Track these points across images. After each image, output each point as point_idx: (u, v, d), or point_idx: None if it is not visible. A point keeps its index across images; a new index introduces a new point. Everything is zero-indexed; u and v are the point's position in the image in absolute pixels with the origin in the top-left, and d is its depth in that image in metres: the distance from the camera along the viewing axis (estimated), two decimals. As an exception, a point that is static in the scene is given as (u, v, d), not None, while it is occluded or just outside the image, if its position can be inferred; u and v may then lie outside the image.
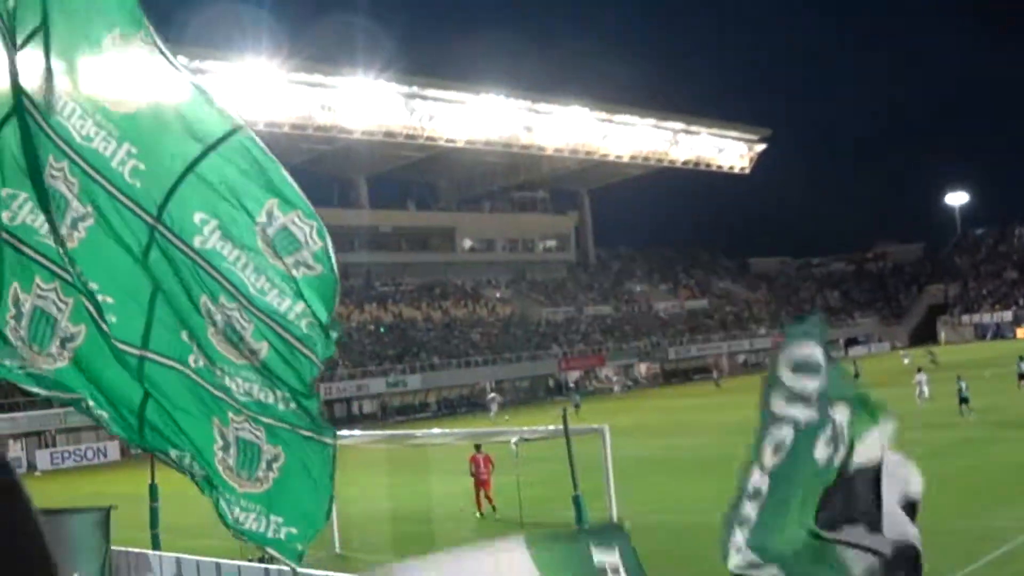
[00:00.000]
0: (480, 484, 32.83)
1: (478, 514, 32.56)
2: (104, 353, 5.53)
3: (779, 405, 4.99)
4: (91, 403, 5.76)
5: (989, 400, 55.72)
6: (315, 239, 5.26)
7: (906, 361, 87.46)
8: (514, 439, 30.35)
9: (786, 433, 5.03)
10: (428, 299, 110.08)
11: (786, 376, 5.12)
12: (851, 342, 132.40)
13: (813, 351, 5.19)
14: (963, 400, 50.25)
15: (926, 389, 57.50)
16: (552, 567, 5.87)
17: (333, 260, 5.35)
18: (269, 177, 5.19)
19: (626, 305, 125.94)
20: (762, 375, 6.05)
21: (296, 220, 5.22)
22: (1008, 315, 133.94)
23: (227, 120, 5.17)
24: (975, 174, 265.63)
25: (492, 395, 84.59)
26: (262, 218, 5.21)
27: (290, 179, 5.29)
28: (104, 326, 5.41)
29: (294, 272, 5.25)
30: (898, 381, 64.16)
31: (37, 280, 5.41)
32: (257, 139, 5.23)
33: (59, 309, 5.48)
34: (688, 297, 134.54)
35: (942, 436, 42.13)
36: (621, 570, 6.03)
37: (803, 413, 5.04)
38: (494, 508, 32.45)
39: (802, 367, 5.13)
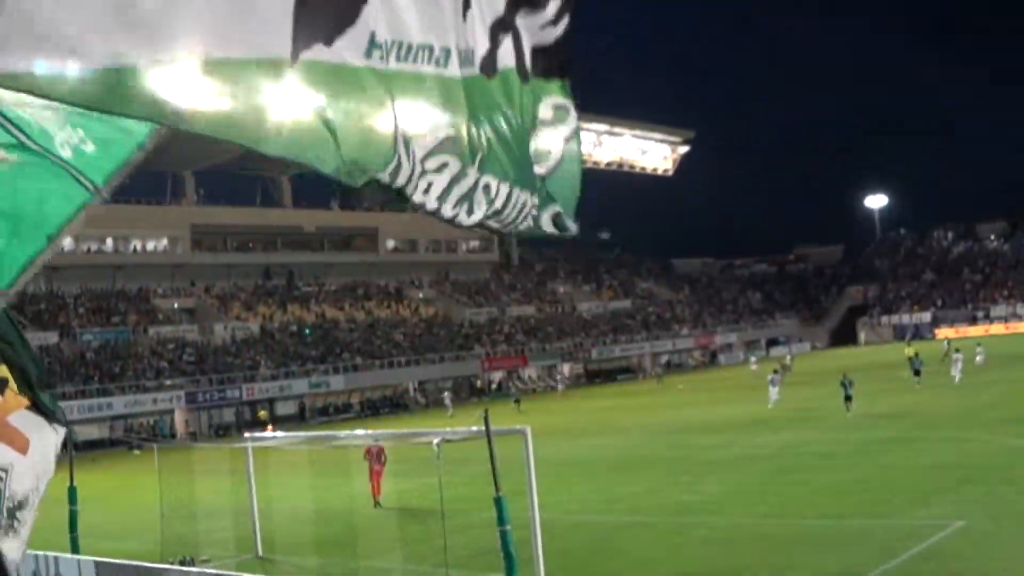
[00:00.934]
0: (372, 475, 34.58)
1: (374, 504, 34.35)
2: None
3: None
4: None
5: (905, 400, 56.62)
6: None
7: (753, 368, 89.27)
8: (436, 440, 30.34)
9: None
10: (351, 299, 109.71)
11: None
12: (772, 342, 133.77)
13: None
14: (848, 398, 52.08)
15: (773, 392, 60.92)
16: None
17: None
18: None
19: (549, 306, 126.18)
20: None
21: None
22: (927, 316, 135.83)
23: None
24: (894, 177, 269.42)
25: (446, 393, 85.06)
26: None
27: None
28: None
29: None
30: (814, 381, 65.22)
31: None
32: None
33: None
34: (611, 298, 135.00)
35: (861, 437, 42.70)
36: None
37: None
38: (378, 503, 34.39)
39: None
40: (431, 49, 4.24)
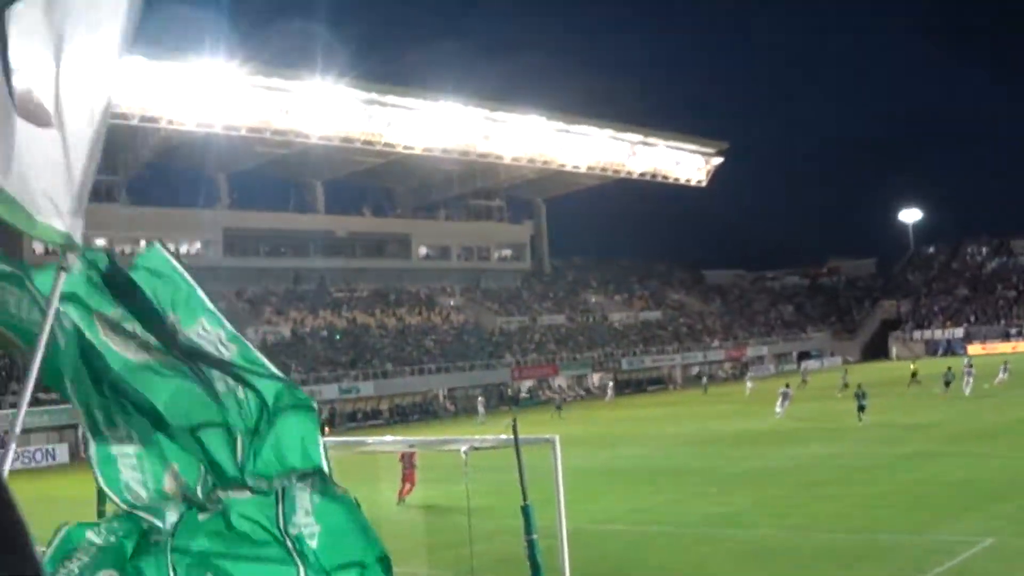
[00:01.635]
0: (404, 478, 36.44)
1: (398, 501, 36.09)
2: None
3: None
4: None
5: (932, 415, 56.47)
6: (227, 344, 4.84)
7: (749, 388, 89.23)
8: (464, 448, 30.33)
9: None
10: (382, 306, 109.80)
11: None
12: (804, 355, 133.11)
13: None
14: (861, 408, 55.01)
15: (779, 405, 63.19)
16: None
17: (256, 362, 4.89)
18: (175, 288, 4.79)
19: (580, 315, 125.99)
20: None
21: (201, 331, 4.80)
22: (959, 332, 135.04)
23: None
24: (929, 192, 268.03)
25: (480, 399, 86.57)
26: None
27: (197, 288, 4.85)
28: None
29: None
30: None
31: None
32: (166, 252, 4.86)
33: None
34: (642, 308, 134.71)
35: (888, 451, 42.57)
36: None
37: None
38: (399, 498, 36.20)
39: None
40: None
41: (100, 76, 3.99)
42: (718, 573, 23.60)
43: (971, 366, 72.52)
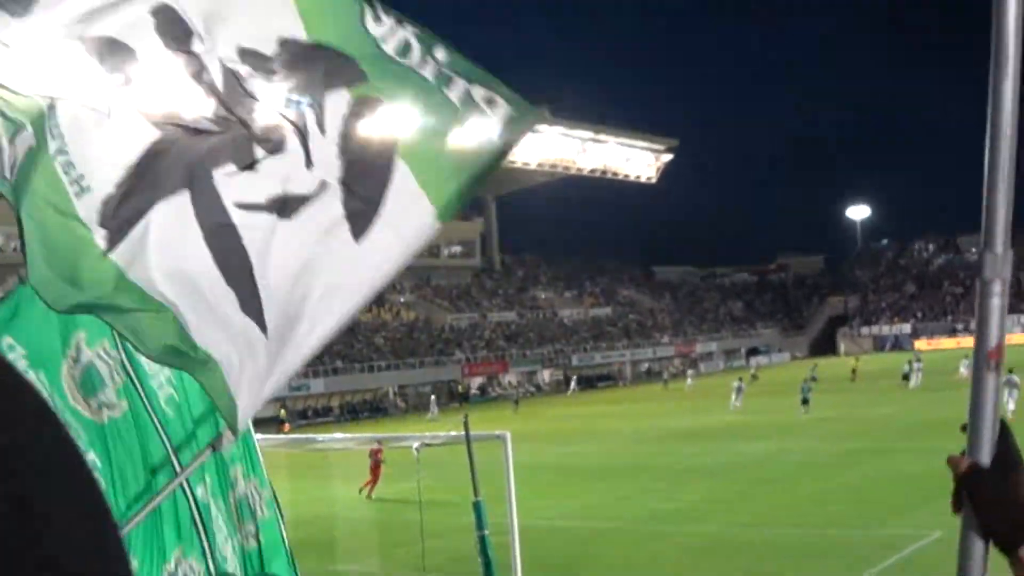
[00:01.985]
0: (373, 470, 37.06)
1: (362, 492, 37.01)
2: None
3: None
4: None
5: (884, 410, 56.95)
6: (118, 374, 4.70)
7: (689, 384, 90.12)
8: (415, 444, 30.35)
9: None
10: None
11: None
12: (753, 351, 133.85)
13: None
14: (805, 400, 58.03)
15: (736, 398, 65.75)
16: None
17: (141, 391, 4.75)
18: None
19: (530, 312, 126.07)
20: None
21: (102, 353, 4.67)
22: (907, 327, 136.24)
23: None
24: (877, 190, 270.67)
25: (432, 396, 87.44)
26: (72, 352, 4.59)
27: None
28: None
29: (96, 419, 4.60)
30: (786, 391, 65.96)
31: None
32: None
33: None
34: (592, 305, 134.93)
35: (837, 447, 42.87)
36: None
37: None
38: (368, 495, 36.91)
39: None
40: None
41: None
42: (669, 568, 23.68)
43: (919, 360, 75.18)
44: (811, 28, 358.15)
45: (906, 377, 72.36)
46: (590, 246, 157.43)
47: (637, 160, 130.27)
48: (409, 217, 3.84)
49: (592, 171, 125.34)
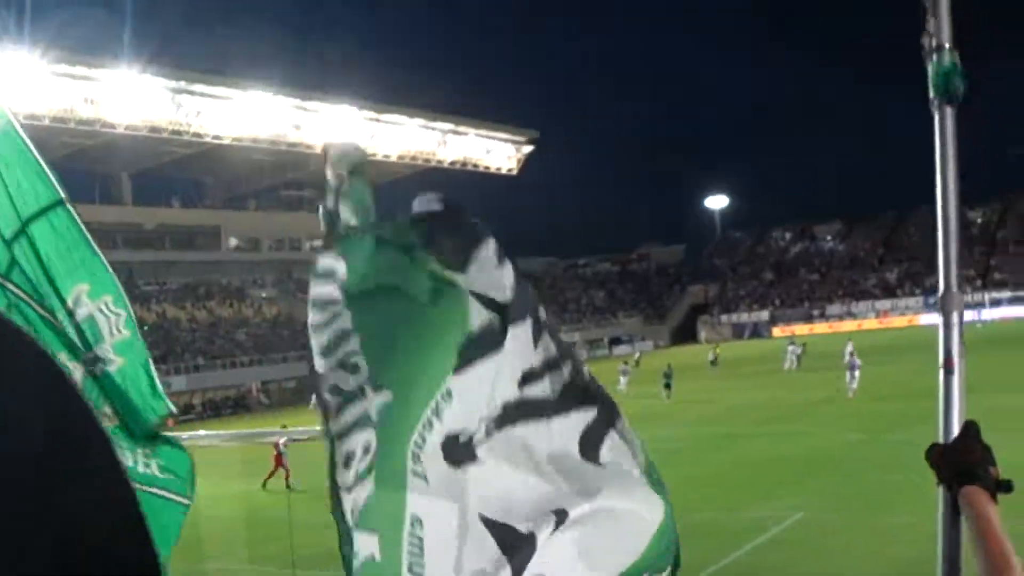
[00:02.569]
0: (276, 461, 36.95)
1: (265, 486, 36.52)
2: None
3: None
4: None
5: (745, 396, 57.96)
6: (120, 329, 4.68)
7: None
8: (282, 440, 30.21)
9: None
10: (193, 299, 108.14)
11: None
12: (615, 341, 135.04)
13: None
14: (667, 386, 60.57)
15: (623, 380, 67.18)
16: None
17: (138, 350, 4.76)
18: (81, 256, 4.50)
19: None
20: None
21: (104, 307, 4.60)
22: (765, 315, 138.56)
23: (50, 189, 4.44)
24: (735, 179, 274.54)
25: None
26: (69, 305, 4.49)
27: (102, 258, 4.58)
28: None
29: (92, 369, 4.49)
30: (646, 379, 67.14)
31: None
32: (75, 212, 4.48)
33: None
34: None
35: (701, 433, 43.52)
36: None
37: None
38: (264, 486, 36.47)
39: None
40: None
41: None
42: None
43: (793, 344, 78.09)
44: (672, 20, 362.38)
45: (797, 358, 74.56)
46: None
47: (498, 152, 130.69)
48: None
49: (453, 163, 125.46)
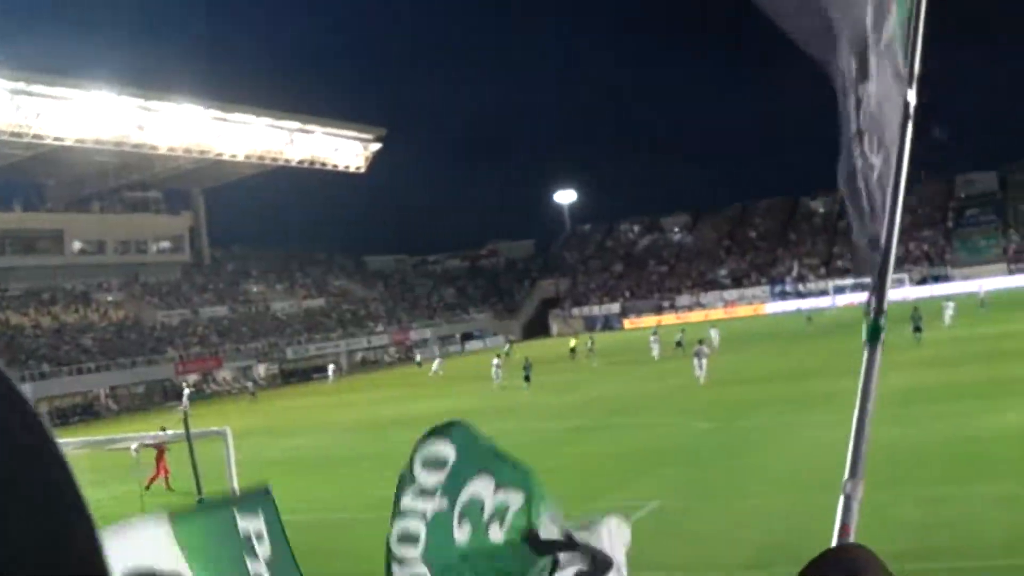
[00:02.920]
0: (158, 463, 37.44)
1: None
2: None
3: (407, 502, 4.29)
4: None
5: (599, 388, 58.50)
6: None
7: (435, 368, 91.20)
8: (134, 445, 29.76)
9: (415, 525, 4.16)
10: (36, 305, 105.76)
11: (418, 473, 4.37)
12: (467, 337, 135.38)
13: (444, 447, 4.34)
14: (527, 378, 63.34)
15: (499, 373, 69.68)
16: (194, 540, 5.42)
17: None
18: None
19: (242, 306, 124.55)
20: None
21: None
22: (616, 307, 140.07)
23: None
24: (583, 174, 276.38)
25: (331, 365, 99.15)
26: None
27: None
28: None
29: None
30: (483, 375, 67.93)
31: None
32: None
33: None
34: (305, 296, 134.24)
35: (556, 425, 43.80)
36: (265, 536, 5.70)
37: (430, 505, 4.27)
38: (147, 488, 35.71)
39: (432, 463, 4.44)
40: None
41: None
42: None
43: (656, 335, 79.54)
44: (520, 15, 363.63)
45: (680, 343, 75.56)
46: (301, 237, 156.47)
47: (345, 149, 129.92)
48: None
49: (300, 162, 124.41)
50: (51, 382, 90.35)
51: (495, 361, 72.25)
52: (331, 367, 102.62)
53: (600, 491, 28.19)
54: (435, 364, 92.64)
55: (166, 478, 37.50)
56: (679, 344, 75.37)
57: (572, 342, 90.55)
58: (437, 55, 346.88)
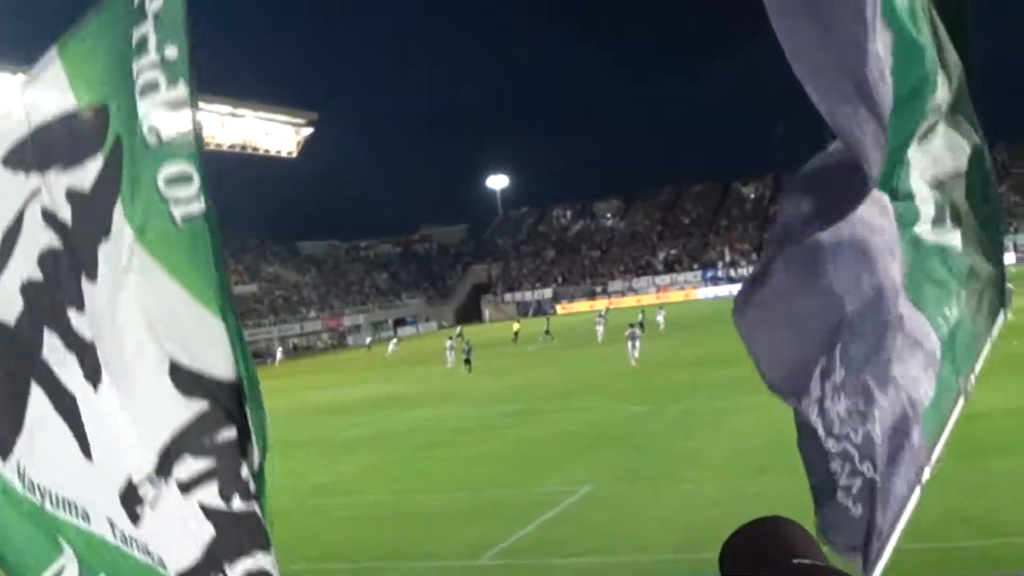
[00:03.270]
0: None
1: None
2: None
3: None
4: None
5: (533, 373, 58.72)
6: None
7: (391, 349, 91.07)
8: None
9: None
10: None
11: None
12: (400, 322, 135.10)
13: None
14: (467, 361, 64.65)
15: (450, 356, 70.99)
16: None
17: None
18: None
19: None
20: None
21: None
22: (548, 292, 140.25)
23: None
24: (515, 159, 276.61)
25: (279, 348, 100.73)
26: None
27: None
28: None
29: None
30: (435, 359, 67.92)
31: None
32: None
33: None
34: (237, 282, 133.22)
35: (494, 410, 43.90)
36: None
37: None
38: None
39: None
40: None
41: None
42: (332, 540, 23.77)
43: (602, 317, 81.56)
44: (452, 1, 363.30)
45: (642, 324, 74.99)
46: (232, 223, 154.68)
47: (277, 134, 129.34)
48: None
49: (232, 147, 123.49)
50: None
51: (448, 343, 73.36)
52: (279, 349, 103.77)
53: (532, 476, 28.36)
54: (390, 346, 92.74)
55: None
56: (641, 325, 76.12)
57: (515, 326, 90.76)
58: (369, 40, 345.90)
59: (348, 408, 51.52)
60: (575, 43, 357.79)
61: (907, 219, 4.19)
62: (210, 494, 3.65)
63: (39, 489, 3.90)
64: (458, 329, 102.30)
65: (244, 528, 3.69)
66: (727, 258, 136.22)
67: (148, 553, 3.70)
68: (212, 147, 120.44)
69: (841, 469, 4.44)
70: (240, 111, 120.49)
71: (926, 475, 4.43)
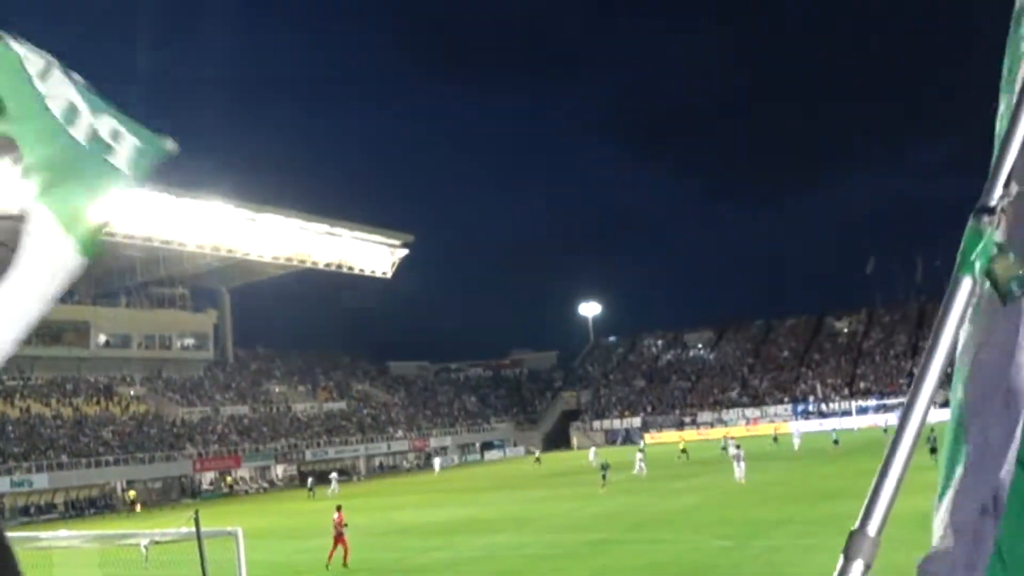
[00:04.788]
0: (336, 539, 39.54)
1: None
2: None
3: None
4: None
5: (617, 502, 58.02)
6: None
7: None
8: (144, 542, 29.52)
9: None
10: (59, 395, 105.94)
11: None
12: (487, 446, 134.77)
13: None
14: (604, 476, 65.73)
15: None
16: None
17: None
18: None
19: (263, 406, 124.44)
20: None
21: None
22: (637, 421, 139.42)
23: None
24: (608, 287, 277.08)
25: (333, 475, 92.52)
26: None
27: None
28: None
29: None
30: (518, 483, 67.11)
31: None
32: None
33: None
34: (326, 399, 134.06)
35: (574, 539, 43.40)
36: None
37: None
38: (345, 564, 38.64)
39: None
40: None
41: None
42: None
43: (643, 451, 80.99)
44: (538, 127, 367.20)
45: (725, 448, 77.32)
46: (325, 340, 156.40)
47: (372, 254, 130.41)
48: (51, 258, 3.57)
49: (327, 265, 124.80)
50: (69, 473, 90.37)
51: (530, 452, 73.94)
52: (333, 475, 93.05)
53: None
54: (436, 463, 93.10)
55: (345, 555, 39.31)
56: (724, 449, 76.26)
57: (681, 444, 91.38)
58: (466, 165, 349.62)
59: (428, 530, 51.20)
60: (674, 177, 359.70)
61: None
62: None
63: None
64: (537, 454, 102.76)
65: None
66: (819, 392, 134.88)
67: None
68: (308, 265, 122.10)
69: None
70: (337, 230, 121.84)
71: None
